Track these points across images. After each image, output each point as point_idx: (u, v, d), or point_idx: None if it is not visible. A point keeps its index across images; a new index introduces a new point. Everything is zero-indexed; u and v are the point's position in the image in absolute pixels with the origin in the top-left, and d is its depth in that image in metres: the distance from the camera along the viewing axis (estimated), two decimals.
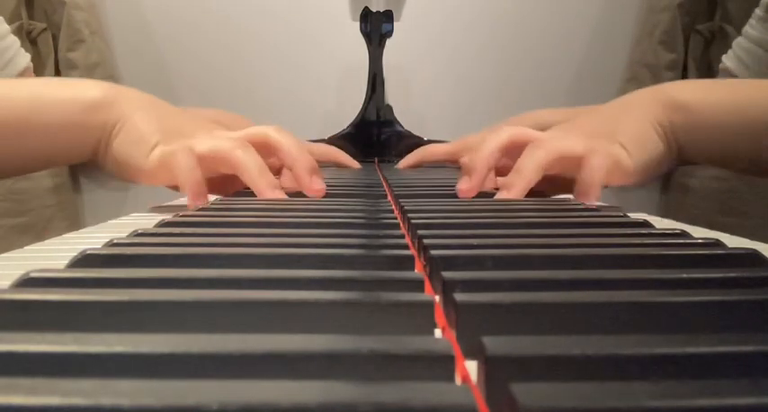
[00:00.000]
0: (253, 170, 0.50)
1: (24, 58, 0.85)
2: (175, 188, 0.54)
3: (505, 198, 0.49)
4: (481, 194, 0.52)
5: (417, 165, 0.92)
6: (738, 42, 0.95)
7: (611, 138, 0.53)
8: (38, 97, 0.52)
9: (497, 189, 0.52)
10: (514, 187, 0.49)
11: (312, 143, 0.94)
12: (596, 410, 0.12)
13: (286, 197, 0.50)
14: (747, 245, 0.33)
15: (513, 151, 0.51)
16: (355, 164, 0.93)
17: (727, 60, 0.94)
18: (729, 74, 0.92)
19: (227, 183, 0.57)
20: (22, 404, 0.12)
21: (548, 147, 0.50)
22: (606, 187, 0.53)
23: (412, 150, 0.98)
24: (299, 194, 0.52)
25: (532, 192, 0.51)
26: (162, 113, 0.55)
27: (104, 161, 0.54)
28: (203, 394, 0.13)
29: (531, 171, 0.49)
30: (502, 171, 0.55)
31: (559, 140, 0.51)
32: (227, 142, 0.51)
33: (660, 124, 0.54)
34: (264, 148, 0.52)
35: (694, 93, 0.54)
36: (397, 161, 0.98)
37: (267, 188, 0.50)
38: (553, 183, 0.54)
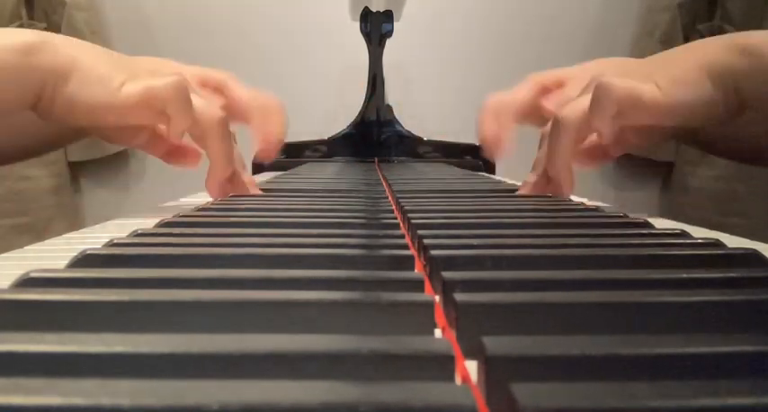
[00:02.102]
0: (185, 117, 0.48)
1: None
2: (152, 128, 0.52)
3: (558, 193, 0.50)
4: (479, 193, 0.52)
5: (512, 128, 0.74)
6: None
7: (647, 78, 0.50)
8: None
9: (492, 189, 0.53)
10: (564, 185, 0.50)
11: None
12: (596, 410, 0.12)
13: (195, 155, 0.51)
14: (747, 245, 0.33)
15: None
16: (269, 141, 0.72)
17: None
18: None
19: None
20: (22, 404, 0.12)
21: (568, 123, 0.49)
22: (631, 131, 0.52)
23: (412, 150, 0.97)
24: (296, 195, 0.52)
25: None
26: (110, 55, 0.53)
27: (51, 106, 0.50)
28: (203, 394, 0.13)
29: (563, 164, 0.50)
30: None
31: (582, 101, 0.50)
32: (178, 77, 0.49)
33: (719, 66, 0.50)
34: (215, 90, 0.51)
35: (757, 37, 0.50)
36: (396, 161, 0.97)
37: (176, 137, 0.49)
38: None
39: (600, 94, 0.48)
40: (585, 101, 0.49)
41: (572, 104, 0.50)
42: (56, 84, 0.49)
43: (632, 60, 0.57)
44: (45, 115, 0.50)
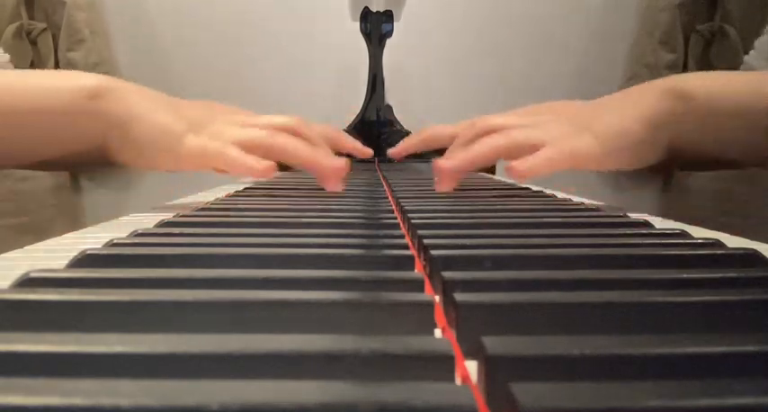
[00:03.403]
0: (305, 150, 0.52)
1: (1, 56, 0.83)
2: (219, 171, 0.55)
3: (442, 166, 0.52)
4: (479, 193, 0.52)
5: (418, 151, 0.83)
6: (763, 41, 0.94)
7: (587, 126, 0.53)
8: (32, 85, 0.52)
9: (492, 189, 0.54)
10: (455, 159, 0.52)
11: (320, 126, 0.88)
12: (596, 410, 0.12)
13: (346, 164, 0.53)
14: (747, 245, 0.33)
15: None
16: (363, 152, 0.83)
17: (752, 59, 0.93)
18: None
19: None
20: (22, 404, 0.12)
21: (511, 134, 0.52)
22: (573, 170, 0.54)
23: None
24: (303, 195, 0.52)
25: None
26: (168, 103, 0.55)
27: (118, 151, 0.53)
28: (203, 394, 0.13)
29: (480, 151, 0.52)
30: None
31: (523, 129, 0.53)
32: (260, 131, 0.52)
33: (656, 113, 0.53)
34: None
35: (697, 81, 0.54)
36: (397, 161, 0.96)
37: (327, 161, 0.52)
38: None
39: (550, 155, 0.51)
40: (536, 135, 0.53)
41: (527, 131, 0.54)
42: (121, 130, 0.52)
43: (571, 106, 0.61)
44: (111, 158, 0.54)
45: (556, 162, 0.51)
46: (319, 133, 0.59)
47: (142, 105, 0.52)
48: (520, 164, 0.50)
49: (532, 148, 0.51)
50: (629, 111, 0.53)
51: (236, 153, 0.51)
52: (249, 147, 0.51)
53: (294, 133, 0.54)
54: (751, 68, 0.93)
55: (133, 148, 0.53)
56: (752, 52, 0.95)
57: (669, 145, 0.54)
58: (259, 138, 0.52)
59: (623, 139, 0.53)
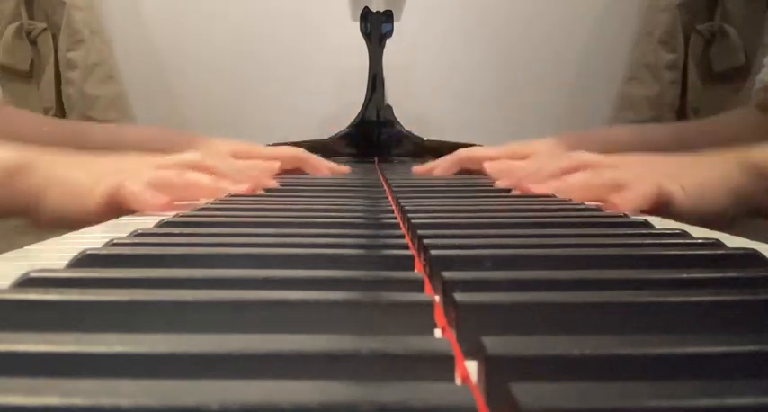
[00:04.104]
0: (209, 185, 0.54)
1: None
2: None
3: (531, 188, 0.52)
4: (479, 192, 0.52)
5: (452, 173, 0.81)
6: None
7: (674, 180, 0.53)
8: None
9: (491, 188, 0.54)
10: (548, 187, 0.52)
11: (276, 148, 0.91)
12: (596, 410, 0.12)
13: (250, 186, 0.54)
14: (747, 245, 0.33)
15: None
16: (324, 170, 0.83)
17: (766, 76, 0.92)
18: None
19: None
20: (22, 404, 0.12)
21: (602, 174, 0.53)
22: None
23: (411, 150, 0.97)
24: (302, 195, 0.52)
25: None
26: (84, 162, 0.57)
27: (38, 222, 0.56)
28: (203, 394, 0.13)
29: (574, 185, 0.53)
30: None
31: (615, 169, 0.54)
32: (168, 171, 0.54)
33: (735, 184, 0.55)
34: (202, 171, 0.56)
35: None
36: (396, 161, 0.96)
37: (232, 187, 0.54)
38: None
39: (644, 191, 0.50)
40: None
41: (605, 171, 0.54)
42: (36, 204, 0.54)
43: (658, 159, 0.61)
44: (37, 226, 0.57)
45: (649, 198, 0.50)
46: (271, 153, 0.61)
47: (56, 174, 0.54)
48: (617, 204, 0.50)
49: (619, 189, 0.51)
50: (716, 179, 0.55)
51: (136, 187, 0.51)
52: (161, 187, 0.52)
53: (203, 169, 0.56)
54: (766, 86, 0.92)
55: (50, 217, 0.54)
56: (764, 70, 0.94)
57: (744, 209, 0.57)
58: (167, 177, 0.53)
59: (708, 199, 0.53)
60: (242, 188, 0.55)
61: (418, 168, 0.83)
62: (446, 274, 0.22)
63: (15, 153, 0.55)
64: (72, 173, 0.55)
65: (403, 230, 0.35)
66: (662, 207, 0.51)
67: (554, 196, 0.53)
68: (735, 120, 0.82)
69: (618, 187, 0.51)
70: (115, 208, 0.52)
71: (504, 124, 1.36)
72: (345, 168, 0.82)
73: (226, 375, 0.15)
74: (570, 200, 0.51)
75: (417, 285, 0.22)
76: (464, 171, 0.80)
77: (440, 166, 0.82)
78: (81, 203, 0.53)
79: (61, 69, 1.38)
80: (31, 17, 1.37)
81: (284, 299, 0.19)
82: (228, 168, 0.58)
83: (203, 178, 0.55)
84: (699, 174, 0.55)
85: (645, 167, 0.56)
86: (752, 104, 0.86)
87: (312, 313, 0.19)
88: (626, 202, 0.50)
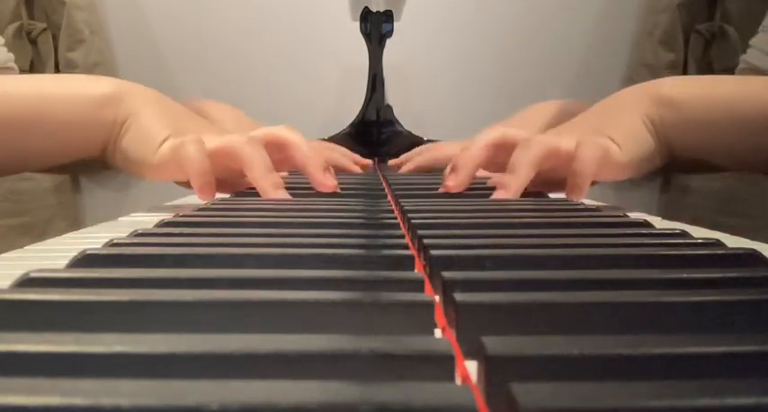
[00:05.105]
0: (259, 167, 0.50)
1: (5, 56, 0.83)
2: (184, 184, 0.54)
3: (503, 198, 0.49)
4: (479, 192, 0.52)
5: (429, 170, 0.84)
6: (760, 38, 0.94)
7: (600, 134, 0.53)
8: (47, 93, 0.53)
9: (491, 188, 0.53)
10: (510, 187, 0.50)
11: (317, 142, 0.91)
12: (596, 410, 0.12)
13: (289, 197, 0.50)
14: (747, 245, 0.33)
15: (503, 152, 0.52)
16: (355, 168, 0.88)
17: (751, 58, 0.93)
18: (755, 71, 0.91)
19: (234, 184, 0.57)
20: (22, 404, 0.12)
21: (538, 144, 0.50)
22: (596, 183, 0.53)
23: (411, 150, 0.97)
24: (301, 195, 0.52)
25: (529, 193, 0.51)
26: (170, 111, 0.55)
27: (113, 158, 0.54)
28: (203, 394, 0.13)
29: (524, 168, 0.50)
30: (490, 168, 0.56)
31: (549, 138, 0.52)
32: (238, 139, 0.51)
33: (650, 119, 0.54)
34: (276, 147, 0.53)
35: (683, 88, 0.55)
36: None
37: (271, 187, 0.50)
38: (548, 182, 0.54)
39: (581, 166, 0.50)
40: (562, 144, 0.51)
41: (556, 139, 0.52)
42: (116, 139, 0.53)
43: (575, 118, 0.60)
44: (109, 164, 0.55)
45: (596, 160, 0.50)
46: (315, 148, 0.58)
47: (140, 112, 0.53)
48: (572, 189, 0.50)
49: (567, 155, 0.50)
50: (635, 117, 0.54)
51: (194, 152, 0.49)
52: (218, 154, 0.50)
53: (277, 143, 0.53)
54: (753, 67, 0.93)
55: (120, 156, 0.53)
56: (749, 51, 0.94)
57: (667, 150, 0.55)
58: (230, 145, 0.51)
59: (640, 145, 0.53)
60: (282, 197, 0.50)
61: (396, 162, 0.85)
62: (446, 274, 0.22)
63: (111, 84, 0.54)
64: (154, 117, 0.53)
65: (403, 230, 0.35)
66: (606, 168, 0.51)
67: (546, 195, 0.54)
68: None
69: (560, 154, 0.50)
70: (173, 168, 0.51)
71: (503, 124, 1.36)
72: (368, 161, 0.81)
73: (226, 375, 0.15)
74: (570, 199, 0.51)
75: (417, 285, 0.22)
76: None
77: (412, 165, 0.85)
78: (145, 152, 0.52)
79: (61, 69, 1.38)
80: (31, 17, 1.37)
81: (284, 299, 0.19)
82: (306, 156, 0.53)
83: (258, 160, 0.50)
84: (621, 119, 0.54)
85: (566, 129, 0.55)
86: None
87: (312, 313, 0.19)
88: (581, 178, 0.49)
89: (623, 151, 0.52)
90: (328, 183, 0.52)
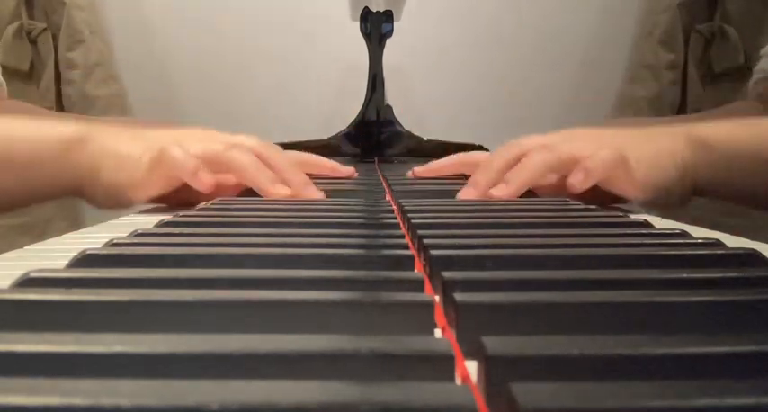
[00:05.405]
0: (251, 167, 0.50)
1: None
2: (175, 199, 0.54)
3: (499, 195, 0.49)
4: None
5: (449, 174, 0.79)
6: None
7: (624, 151, 0.52)
8: (13, 135, 0.53)
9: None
10: (512, 183, 0.50)
11: (290, 152, 0.89)
12: (596, 410, 0.12)
13: (288, 191, 0.50)
14: (747, 245, 0.33)
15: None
16: (341, 172, 0.82)
17: (767, 66, 0.91)
18: None
19: (219, 191, 0.57)
20: (22, 404, 0.12)
21: (556, 150, 0.50)
22: (601, 198, 0.53)
23: (411, 150, 0.97)
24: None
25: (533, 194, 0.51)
26: (140, 133, 0.55)
27: (94, 195, 0.54)
28: (203, 394, 0.13)
29: (532, 168, 0.50)
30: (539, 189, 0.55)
31: (569, 143, 0.52)
32: (219, 144, 0.51)
33: (682, 157, 0.54)
34: (216, 167, 0.53)
35: (720, 130, 0.55)
36: (396, 161, 0.96)
37: (269, 184, 0.50)
38: (559, 190, 0.54)
39: (592, 162, 0.50)
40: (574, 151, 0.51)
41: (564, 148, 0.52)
42: (93, 179, 0.53)
43: (606, 132, 0.60)
44: (95, 204, 0.54)
45: (608, 163, 0.50)
46: (291, 159, 0.58)
47: (113, 146, 0.53)
48: (575, 175, 0.49)
49: (578, 162, 0.50)
50: (665, 151, 0.54)
51: (178, 154, 0.49)
52: (206, 162, 0.50)
53: (257, 155, 0.53)
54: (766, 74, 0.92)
55: (103, 192, 0.53)
56: (763, 60, 0.93)
57: (691, 185, 0.55)
58: (215, 151, 0.51)
59: (660, 172, 0.53)
60: (282, 192, 0.51)
61: (418, 169, 0.81)
62: (446, 274, 0.22)
63: (74, 125, 0.54)
64: (125, 143, 0.53)
65: (403, 230, 0.35)
66: (617, 177, 0.51)
67: (552, 196, 0.53)
68: (734, 112, 0.81)
69: (576, 160, 0.50)
70: (162, 176, 0.51)
71: (503, 124, 1.36)
72: (350, 170, 0.78)
73: (226, 375, 0.15)
74: (570, 199, 0.51)
75: (417, 285, 0.22)
76: (462, 174, 0.79)
77: (437, 164, 0.81)
78: (131, 174, 0.52)
79: (61, 69, 1.38)
80: (31, 17, 1.37)
81: (284, 299, 0.19)
82: (283, 162, 0.54)
83: (251, 162, 0.51)
84: (648, 146, 0.54)
85: (595, 140, 0.55)
86: (751, 96, 0.86)
87: (312, 313, 0.19)
88: (587, 172, 0.49)
89: (642, 172, 0.52)
90: (314, 197, 0.52)
